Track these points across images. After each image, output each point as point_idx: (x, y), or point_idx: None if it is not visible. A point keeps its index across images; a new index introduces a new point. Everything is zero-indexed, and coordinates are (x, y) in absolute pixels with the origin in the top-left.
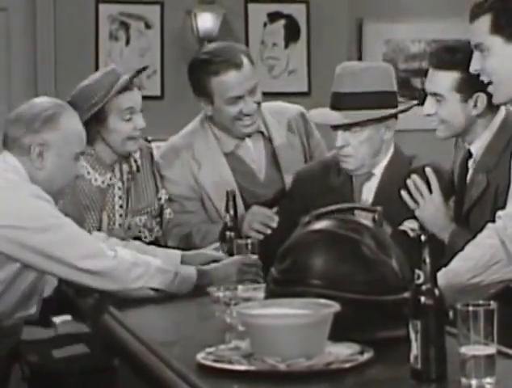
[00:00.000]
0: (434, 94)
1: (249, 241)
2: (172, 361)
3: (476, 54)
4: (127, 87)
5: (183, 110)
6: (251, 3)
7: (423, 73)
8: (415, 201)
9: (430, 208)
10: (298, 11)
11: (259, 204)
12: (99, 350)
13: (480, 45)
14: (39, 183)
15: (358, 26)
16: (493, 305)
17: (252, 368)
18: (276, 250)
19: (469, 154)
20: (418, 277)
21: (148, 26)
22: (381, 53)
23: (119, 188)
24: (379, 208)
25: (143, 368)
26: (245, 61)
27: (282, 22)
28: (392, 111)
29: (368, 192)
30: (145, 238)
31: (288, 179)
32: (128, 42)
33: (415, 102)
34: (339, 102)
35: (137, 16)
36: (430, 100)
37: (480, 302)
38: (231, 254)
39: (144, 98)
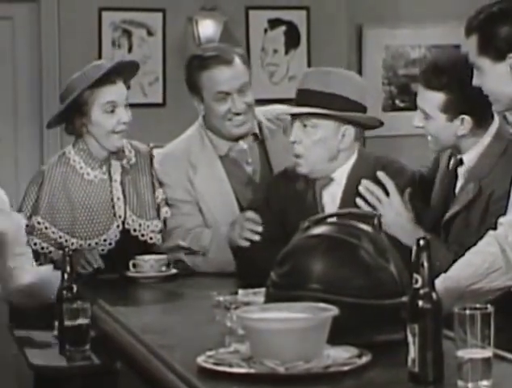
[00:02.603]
0: (423, 111)
1: (85, 305)
2: (173, 364)
3: (475, 71)
4: (110, 81)
5: (185, 117)
6: (252, 10)
7: None
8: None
9: (390, 213)
10: (298, 18)
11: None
12: (101, 353)
13: (473, 64)
14: None
15: (358, 32)
16: (490, 308)
17: (251, 371)
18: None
19: (460, 163)
20: (416, 281)
21: (150, 33)
22: (381, 59)
23: (116, 189)
24: (378, 213)
25: (144, 371)
26: (237, 60)
27: (282, 28)
28: (348, 114)
29: (330, 197)
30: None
31: None
32: (130, 49)
33: (378, 121)
34: (303, 98)
35: (139, 24)
36: (419, 114)
37: (477, 306)
38: (61, 318)
39: (146, 105)
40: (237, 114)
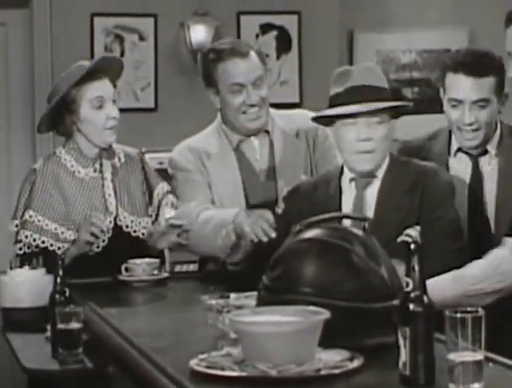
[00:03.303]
0: (479, 101)
1: (77, 309)
2: (165, 367)
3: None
4: (95, 77)
5: (177, 122)
6: (243, 15)
7: (414, 84)
8: None
9: None
10: (290, 23)
11: (260, 206)
12: (94, 356)
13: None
14: None
15: (349, 36)
16: (481, 312)
17: (243, 374)
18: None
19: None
20: (407, 285)
21: (142, 38)
22: (373, 63)
23: (107, 186)
24: (368, 216)
25: (137, 374)
26: (252, 53)
27: (274, 33)
28: (408, 103)
29: (371, 197)
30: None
31: (281, 184)
32: (122, 54)
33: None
34: (365, 94)
35: (131, 29)
36: (471, 109)
37: (468, 309)
38: (54, 321)
39: (138, 110)
40: (252, 106)
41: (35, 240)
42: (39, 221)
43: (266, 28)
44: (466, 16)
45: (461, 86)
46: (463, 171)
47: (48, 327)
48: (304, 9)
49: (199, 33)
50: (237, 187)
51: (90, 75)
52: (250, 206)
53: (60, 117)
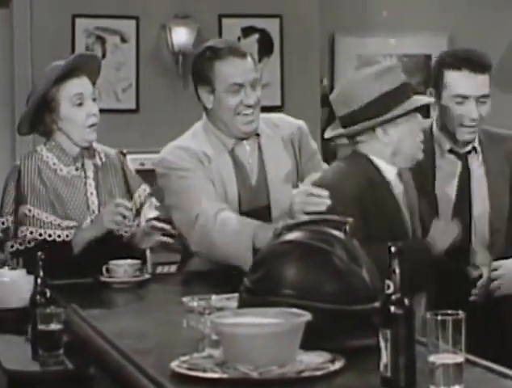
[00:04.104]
0: (483, 97)
1: (58, 310)
2: (147, 369)
3: None
4: (74, 75)
5: (158, 123)
6: (225, 18)
7: None
8: None
9: None
10: (271, 26)
11: (252, 211)
12: (75, 358)
13: None
14: None
15: (331, 40)
16: (461, 314)
17: (225, 376)
18: None
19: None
20: (388, 287)
21: (123, 40)
22: (353, 68)
23: (90, 185)
24: (349, 219)
25: (118, 376)
26: (249, 55)
27: (255, 36)
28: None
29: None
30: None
31: (274, 185)
32: (104, 56)
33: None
34: (409, 89)
35: (113, 30)
36: (477, 104)
37: (449, 312)
38: (35, 322)
39: (120, 111)
40: (249, 107)
41: (41, 235)
42: (38, 214)
43: (247, 31)
44: (446, 22)
45: (468, 83)
46: (452, 172)
47: (29, 329)
48: (286, 12)
49: (180, 35)
50: (233, 193)
51: (69, 73)
52: (243, 213)
53: (40, 117)
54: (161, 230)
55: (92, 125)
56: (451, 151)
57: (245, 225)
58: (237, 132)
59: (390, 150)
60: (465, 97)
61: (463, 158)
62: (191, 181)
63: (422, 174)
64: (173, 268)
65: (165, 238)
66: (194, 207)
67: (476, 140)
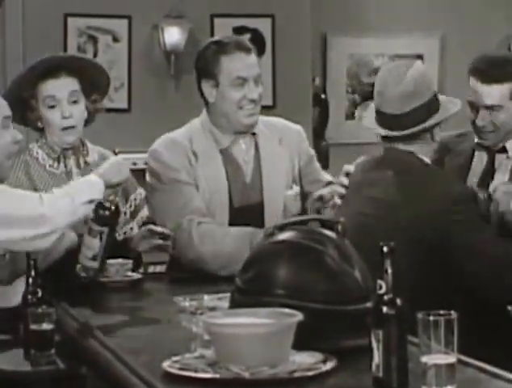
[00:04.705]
0: (491, 107)
1: (50, 310)
2: (138, 369)
3: None
4: (52, 75)
5: (150, 123)
6: (217, 18)
7: None
8: None
9: None
10: (263, 25)
11: (245, 208)
12: (66, 357)
13: None
14: None
15: (323, 40)
16: (454, 314)
17: (217, 376)
18: None
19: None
20: (380, 287)
21: (115, 39)
22: (345, 67)
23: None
24: (341, 219)
25: (109, 375)
26: (254, 51)
27: (247, 36)
28: None
29: None
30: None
31: (268, 185)
32: (95, 55)
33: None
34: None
35: (105, 30)
36: (482, 113)
37: (441, 312)
38: (26, 322)
39: (112, 110)
40: (252, 101)
41: None
42: None
43: (239, 31)
44: (438, 22)
45: (476, 91)
46: (479, 167)
47: (21, 328)
48: (278, 12)
49: (172, 35)
50: (223, 189)
51: (44, 73)
52: (235, 208)
53: (23, 114)
54: (159, 234)
55: (67, 128)
56: (480, 146)
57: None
58: (238, 126)
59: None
60: (472, 103)
61: (491, 153)
62: (179, 187)
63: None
64: (165, 268)
65: (161, 241)
66: (170, 222)
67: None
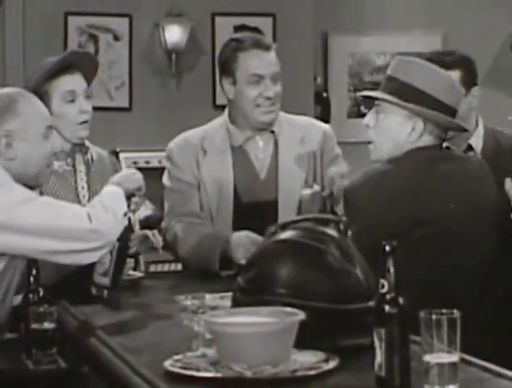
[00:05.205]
0: None
1: (51, 309)
2: (140, 368)
3: None
4: (67, 71)
5: (151, 121)
6: (218, 16)
7: None
8: None
9: None
10: (264, 24)
11: (257, 204)
12: (69, 356)
13: None
14: (15, 172)
15: (324, 39)
16: (456, 313)
17: (219, 375)
18: None
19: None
20: (382, 286)
21: (116, 38)
22: (347, 66)
23: (81, 179)
24: (344, 218)
25: (111, 374)
26: (273, 50)
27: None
28: (419, 108)
29: None
30: None
31: (283, 183)
32: (96, 54)
33: (456, 124)
34: (383, 83)
35: (106, 28)
36: None
37: (444, 311)
38: (28, 321)
39: (113, 109)
40: (268, 98)
41: None
42: None
43: (240, 30)
44: (440, 20)
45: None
46: None
47: (22, 327)
48: (279, 11)
49: (173, 34)
50: (228, 186)
51: (62, 69)
52: (243, 204)
53: None
54: (152, 244)
55: (84, 122)
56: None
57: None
58: (255, 123)
59: None
60: None
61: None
62: (180, 187)
63: None
64: (166, 267)
65: (156, 245)
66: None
67: (479, 144)
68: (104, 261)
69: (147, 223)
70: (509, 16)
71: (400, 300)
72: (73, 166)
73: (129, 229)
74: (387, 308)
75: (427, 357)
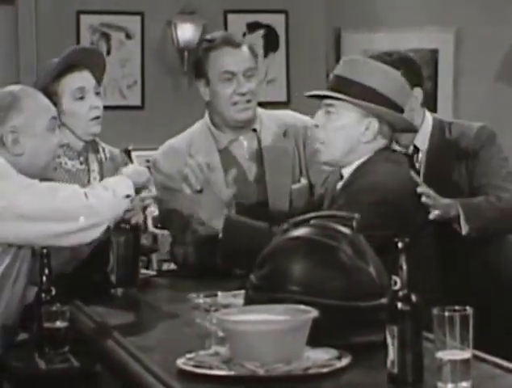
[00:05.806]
0: None
1: (63, 308)
2: (153, 367)
3: None
4: (76, 69)
5: (163, 120)
6: (230, 13)
7: None
8: None
9: None
10: (277, 21)
11: (250, 206)
12: (81, 355)
13: None
14: (23, 166)
15: (337, 36)
16: (469, 310)
17: (231, 373)
18: None
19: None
20: (395, 283)
21: (128, 36)
22: None
23: (94, 178)
24: (356, 215)
25: (123, 373)
26: (245, 46)
27: (261, 32)
28: (367, 105)
29: None
30: None
31: (272, 181)
32: (108, 52)
33: (409, 123)
34: (331, 83)
35: (118, 27)
36: None
37: (456, 308)
38: (40, 321)
39: (125, 107)
40: (242, 95)
41: None
42: None
43: (253, 27)
44: (452, 16)
45: None
46: None
47: (34, 326)
48: (291, 8)
49: (186, 32)
50: (220, 191)
51: (69, 67)
52: (236, 206)
53: None
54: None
55: (95, 118)
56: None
57: None
58: (233, 122)
59: None
60: None
61: (410, 158)
62: (172, 194)
63: None
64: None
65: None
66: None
67: (426, 138)
68: (111, 258)
69: (156, 223)
70: None
71: (413, 297)
72: (87, 165)
73: (134, 228)
74: (399, 305)
75: (440, 354)
